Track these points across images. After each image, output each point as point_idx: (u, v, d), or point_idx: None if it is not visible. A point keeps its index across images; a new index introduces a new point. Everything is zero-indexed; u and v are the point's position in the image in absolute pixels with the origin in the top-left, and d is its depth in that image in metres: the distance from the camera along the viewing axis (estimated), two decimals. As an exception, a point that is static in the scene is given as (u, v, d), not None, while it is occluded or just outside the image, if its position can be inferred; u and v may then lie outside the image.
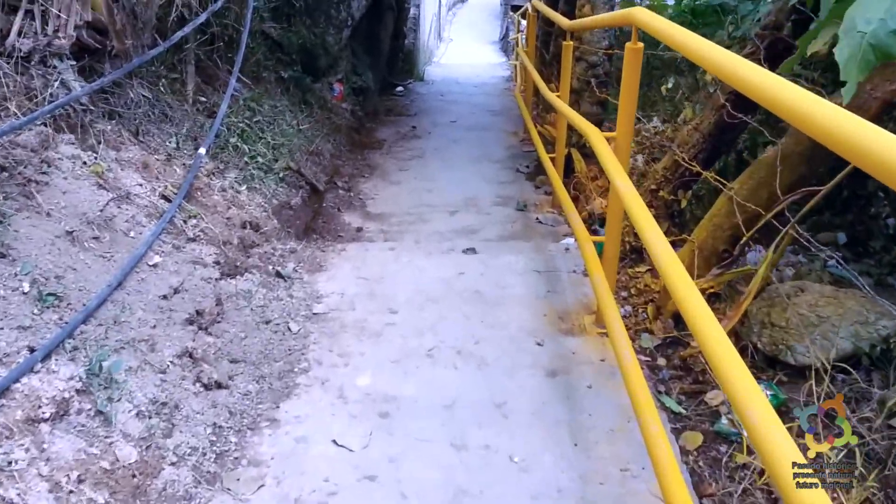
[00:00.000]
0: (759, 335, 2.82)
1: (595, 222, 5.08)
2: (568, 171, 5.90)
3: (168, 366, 2.63)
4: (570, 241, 4.93)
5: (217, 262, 3.32)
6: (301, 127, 5.95)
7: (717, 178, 2.94)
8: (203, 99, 4.61)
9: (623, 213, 3.17)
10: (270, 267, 3.74)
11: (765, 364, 2.81)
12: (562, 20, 5.11)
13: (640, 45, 2.89)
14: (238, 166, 4.29)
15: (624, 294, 3.67)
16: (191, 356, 2.71)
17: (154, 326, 2.74)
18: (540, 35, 8.76)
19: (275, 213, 4.42)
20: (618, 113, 3.01)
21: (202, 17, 4.19)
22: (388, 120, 8.56)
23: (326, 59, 7.41)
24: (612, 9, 5.75)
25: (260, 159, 4.61)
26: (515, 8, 22.04)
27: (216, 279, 3.20)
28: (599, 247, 4.69)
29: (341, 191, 5.92)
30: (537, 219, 5.39)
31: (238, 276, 3.43)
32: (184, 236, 3.27)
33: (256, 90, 5.43)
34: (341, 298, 3.65)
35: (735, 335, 2.85)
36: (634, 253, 3.95)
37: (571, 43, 5.14)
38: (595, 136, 3.04)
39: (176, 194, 3.38)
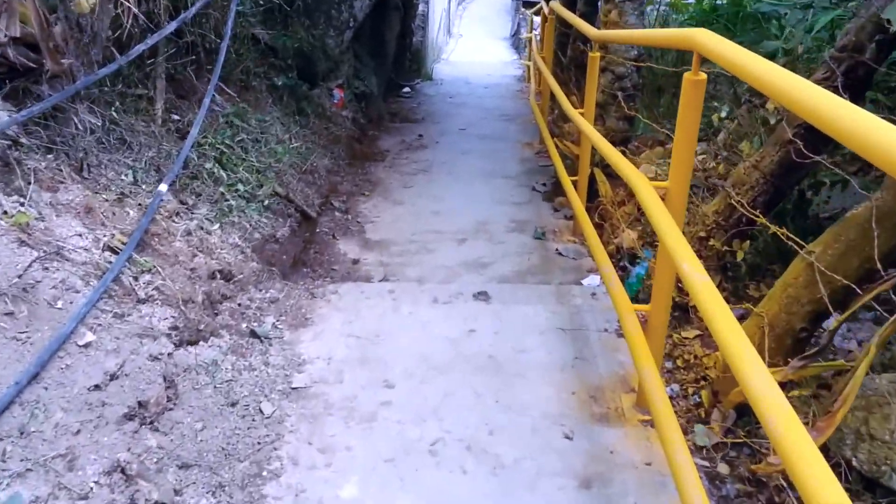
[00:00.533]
0: (855, 449, 2.18)
1: (623, 258, 4.44)
2: (590, 192, 5.26)
3: (91, 489, 2.00)
4: (596, 280, 4.29)
5: (174, 329, 2.70)
6: (294, 142, 5.30)
7: (791, 236, 2.29)
8: (176, 117, 3.98)
9: (675, 276, 2.53)
10: (244, 325, 3.12)
11: (861, 487, 2.17)
12: (589, 30, 4.45)
13: (703, 76, 2.24)
14: (212, 198, 3.66)
15: (668, 364, 3.03)
16: (123, 472, 2.09)
17: (77, 432, 2.11)
18: (556, 37, 8.09)
19: (256, 250, 3.79)
20: (672, 159, 2.36)
21: (171, 27, 3.56)
22: (392, 127, 7.91)
23: (326, 63, 6.77)
24: (641, 15, 5.09)
25: (241, 187, 3.97)
26: (528, 4, 21.32)
27: (170, 353, 2.57)
28: (632, 289, 4.06)
29: (338, 213, 5.28)
30: (557, 250, 4.74)
31: (201, 343, 2.80)
32: (132, 298, 2.64)
33: (242, 103, 4.79)
34: (327, 366, 3.02)
35: (822, 446, 2.21)
36: (678, 310, 3.30)
37: (598, 54, 4.48)
38: (643, 188, 2.39)
39: (126, 244, 2.75)
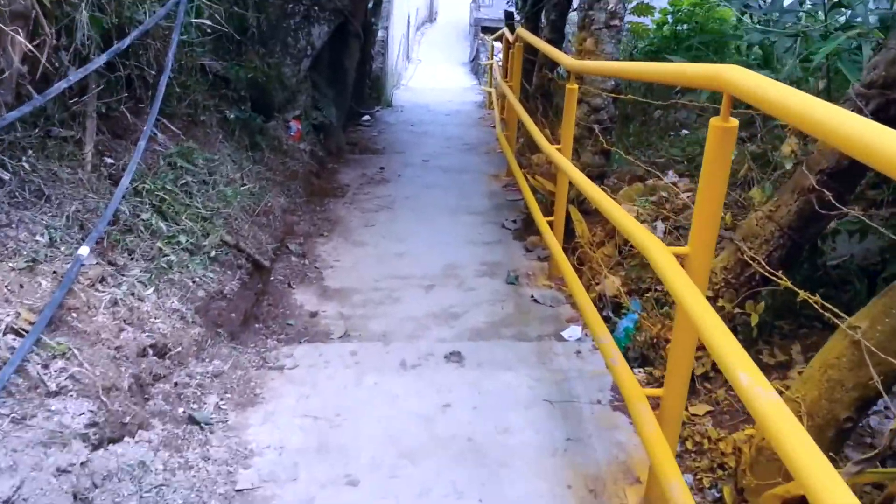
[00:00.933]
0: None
1: (606, 307, 4.07)
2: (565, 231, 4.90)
3: None
4: (577, 331, 3.91)
5: (92, 425, 2.22)
6: (246, 182, 4.84)
7: (829, 305, 1.92)
8: (110, 161, 3.50)
9: (693, 355, 2.14)
10: (181, 410, 2.65)
11: None
12: (564, 59, 4.10)
13: (734, 122, 1.88)
14: (148, 255, 3.18)
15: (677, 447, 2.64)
16: None
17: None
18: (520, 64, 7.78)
19: (200, 311, 3.32)
20: (693, 220, 1.98)
21: (100, 60, 3.09)
22: (352, 159, 7.47)
23: (283, 93, 6.33)
24: (619, 43, 4.76)
25: (184, 238, 3.50)
26: (486, 29, 21.17)
27: (84, 462, 2.10)
28: (620, 344, 3.68)
29: (294, 257, 4.82)
30: (532, 297, 4.35)
31: (126, 440, 2.33)
32: (39, 393, 2.16)
33: (188, 141, 4.32)
34: (279, 457, 2.56)
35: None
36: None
37: (576, 86, 4.13)
38: (660, 254, 2.00)
39: (34, 324, 2.28)
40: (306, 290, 4.40)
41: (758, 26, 4.31)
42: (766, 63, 4.64)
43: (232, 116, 5.36)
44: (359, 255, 4.98)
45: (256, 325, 3.91)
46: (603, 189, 5.17)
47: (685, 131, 6.44)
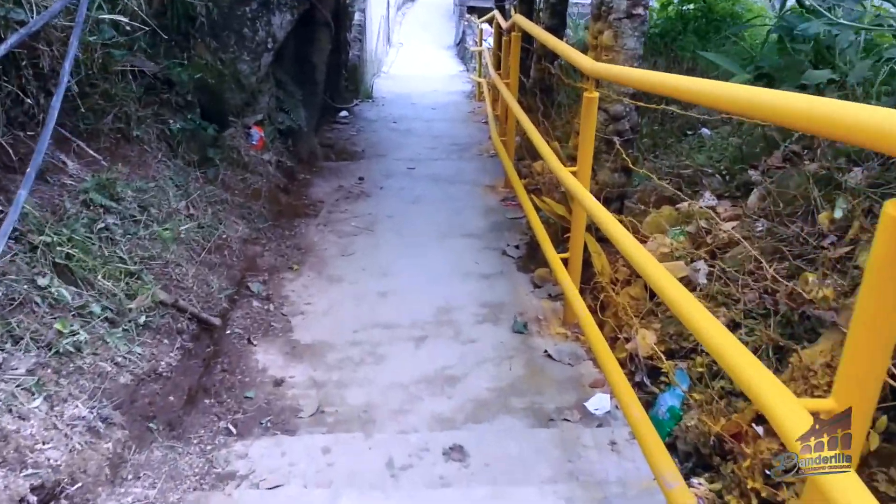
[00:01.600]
0: None
1: (639, 369, 3.36)
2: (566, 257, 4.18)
3: None
4: (605, 402, 3.21)
5: None
6: (193, 210, 4.08)
7: None
8: None
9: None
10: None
11: None
12: (583, 62, 3.35)
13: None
14: (42, 341, 2.42)
15: None
16: None
17: None
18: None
19: (122, 405, 2.58)
20: (843, 364, 1.26)
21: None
22: (327, 167, 6.69)
23: (240, 95, 5.54)
24: (643, 37, 4.02)
25: (98, 308, 2.75)
26: (473, 9, 20.33)
27: None
28: (664, 429, 2.97)
29: (257, 301, 4.07)
30: (546, 352, 3.64)
31: None
32: None
33: (113, 167, 3.55)
34: None
35: None
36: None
37: (597, 95, 3.39)
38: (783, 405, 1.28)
39: None
40: (270, 347, 3.65)
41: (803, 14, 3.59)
42: (820, 60, 3.92)
43: (176, 127, 4.58)
44: (334, 294, 4.24)
45: (206, 402, 3.17)
46: (620, 210, 4.47)
47: (706, 130, 5.72)
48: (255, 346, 3.65)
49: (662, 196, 4.28)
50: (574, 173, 3.55)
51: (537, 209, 4.58)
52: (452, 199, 5.87)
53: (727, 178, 4.32)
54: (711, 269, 3.42)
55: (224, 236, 4.28)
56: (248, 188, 5.15)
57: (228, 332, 3.72)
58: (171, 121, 4.59)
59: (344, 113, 9.42)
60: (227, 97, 5.31)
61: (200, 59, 5.19)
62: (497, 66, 8.50)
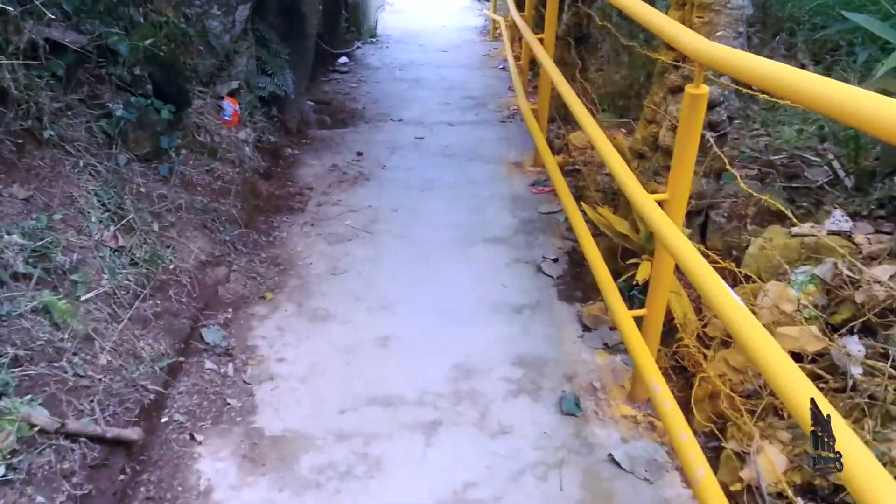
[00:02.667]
0: None
1: (758, 506, 2.18)
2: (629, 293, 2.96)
3: None
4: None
5: None
6: (124, 239, 2.86)
7: None
8: None
9: None
10: None
11: None
12: (686, 38, 2.04)
13: None
14: None
15: None
16: None
17: None
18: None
19: None
20: None
21: None
22: (319, 138, 5.35)
23: (210, 59, 4.24)
24: None
25: None
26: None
27: None
28: None
29: (210, 361, 2.89)
30: (611, 456, 2.47)
31: None
32: None
33: (8, 185, 2.33)
34: None
35: None
36: None
37: (705, 91, 2.09)
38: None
39: None
40: (221, 446, 2.50)
41: None
42: None
43: (118, 113, 3.33)
44: (318, 344, 3.06)
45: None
46: (703, 229, 3.20)
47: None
48: (199, 446, 2.49)
49: (766, 210, 3.02)
50: (663, 203, 2.29)
51: (583, 213, 3.34)
52: (471, 183, 4.59)
53: (857, 184, 3.04)
54: (871, 350, 2.20)
55: (172, 267, 3.07)
56: (216, 182, 3.89)
57: (164, 419, 2.56)
58: (110, 105, 3.35)
59: (343, 59, 8.00)
60: (187, 68, 4.01)
61: (160, 17, 3.90)
62: (519, 5, 7.04)
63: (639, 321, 2.56)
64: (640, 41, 5.28)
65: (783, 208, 2.35)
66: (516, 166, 4.82)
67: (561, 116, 5.30)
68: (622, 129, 4.85)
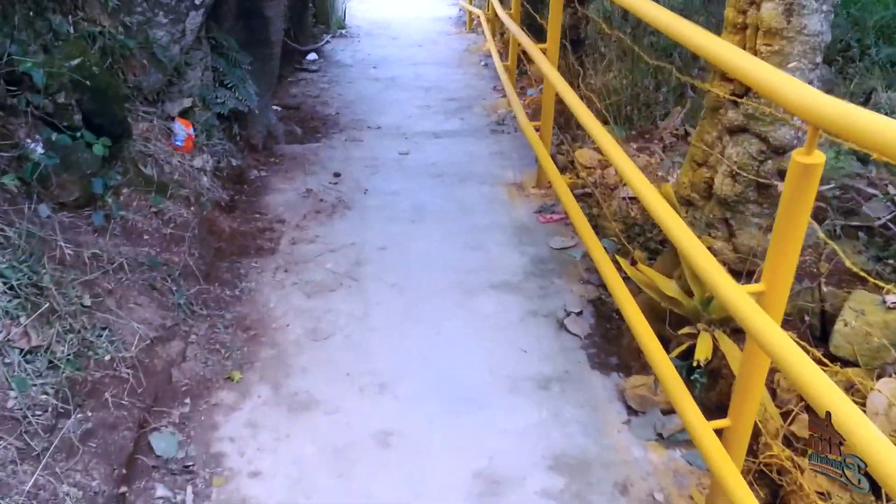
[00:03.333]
0: None
1: None
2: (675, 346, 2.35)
3: None
4: None
5: None
6: (39, 332, 2.13)
7: None
8: None
9: None
10: None
11: None
12: (796, 94, 1.41)
13: None
14: None
15: None
16: None
17: None
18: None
19: None
20: None
21: None
22: (289, 156, 4.58)
23: (157, 74, 3.48)
24: (831, 13, 2.05)
25: None
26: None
27: None
28: None
29: (163, 486, 2.18)
30: None
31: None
32: None
33: None
34: None
35: None
36: None
37: (821, 161, 1.73)
38: None
39: None
40: None
41: None
42: None
43: (36, 157, 2.60)
44: (301, 444, 2.38)
45: None
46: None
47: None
48: None
49: (844, 270, 2.40)
50: (760, 295, 1.65)
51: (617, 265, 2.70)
52: (467, 211, 3.90)
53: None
54: None
55: (108, 359, 2.35)
56: (167, 226, 3.16)
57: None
58: (27, 144, 2.61)
59: (312, 56, 7.21)
60: (138, 80, 3.27)
61: (94, 27, 3.16)
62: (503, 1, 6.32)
63: (720, 433, 1.93)
64: (643, 45, 4.64)
65: (867, 276, 1.75)
66: (516, 188, 4.14)
67: (559, 125, 4.64)
68: (632, 144, 4.22)
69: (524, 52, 5.93)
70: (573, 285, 3.22)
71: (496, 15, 6.54)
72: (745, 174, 2.24)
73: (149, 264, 2.91)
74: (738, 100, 2.25)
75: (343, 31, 8.68)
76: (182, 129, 3.60)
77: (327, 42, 7.91)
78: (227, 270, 3.31)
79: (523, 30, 4.50)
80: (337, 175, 4.29)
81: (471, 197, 4.03)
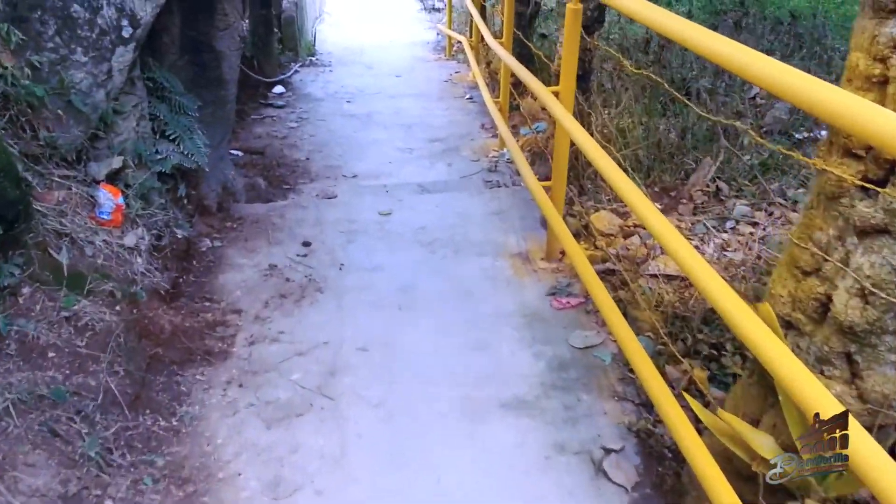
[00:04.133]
0: None
1: None
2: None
3: None
4: None
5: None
6: None
7: None
8: None
9: None
10: None
11: None
12: None
13: None
14: None
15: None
16: None
17: None
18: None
19: None
20: None
21: None
22: (250, 220, 3.79)
23: (76, 128, 2.71)
24: None
25: None
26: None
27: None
28: None
29: None
30: None
31: None
32: None
33: None
34: None
35: None
36: None
37: None
38: None
39: None
40: None
41: None
42: None
43: None
44: None
45: None
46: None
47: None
48: None
49: None
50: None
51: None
52: (465, 294, 3.16)
53: None
54: None
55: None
56: (82, 336, 2.38)
57: None
58: None
59: (279, 89, 6.46)
60: (51, 137, 2.51)
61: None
62: (484, 13, 5.64)
63: None
64: (665, 83, 3.97)
65: None
66: (522, 260, 3.42)
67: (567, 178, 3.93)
68: (655, 204, 3.53)
69: (514, 84, 5.29)
70: (606, 403, 2.50)
71: (482, 41, 5.88)
72: (882, 295, 1.54)
73: (52, 397, 2.14)
74: (875, 188, 1.55)
75: (313, 59, 7.95)
76: (108, 197, 2.82)
77: (296, 72, 7.17)
78: (164, 388, 2.53)
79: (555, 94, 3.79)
80: (307, 244, 3.53)
81: (469, 274, 3.30)
